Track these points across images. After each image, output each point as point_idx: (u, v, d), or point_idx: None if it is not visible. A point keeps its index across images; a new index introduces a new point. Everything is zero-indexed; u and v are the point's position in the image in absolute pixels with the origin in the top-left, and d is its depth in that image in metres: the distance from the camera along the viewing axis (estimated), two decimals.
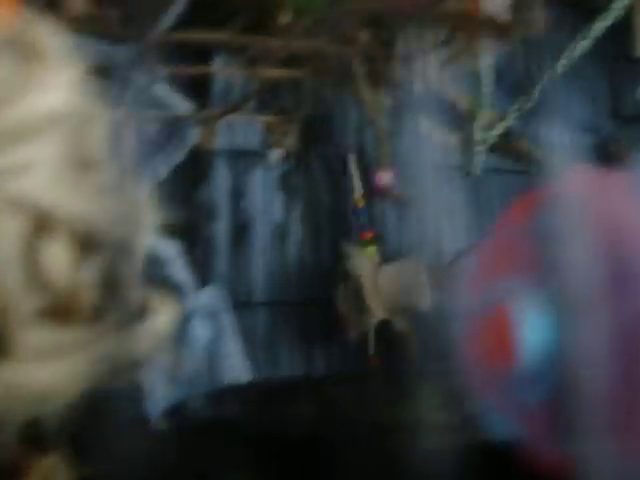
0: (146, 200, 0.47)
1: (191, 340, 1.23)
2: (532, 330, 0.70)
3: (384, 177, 1.23)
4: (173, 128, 1.26)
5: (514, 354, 0.68)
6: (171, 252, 1.21)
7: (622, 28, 1.60)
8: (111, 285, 0.42)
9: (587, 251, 0.67)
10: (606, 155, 1.81)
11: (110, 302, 0.42)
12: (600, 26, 1.54)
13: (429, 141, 1.73)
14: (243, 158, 1.51)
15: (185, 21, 1.13)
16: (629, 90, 1.87)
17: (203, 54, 1.28)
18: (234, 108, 1.32)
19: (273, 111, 1.49)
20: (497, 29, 1.19)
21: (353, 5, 0.95)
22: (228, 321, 1.32)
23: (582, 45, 1.58)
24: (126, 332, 0.42)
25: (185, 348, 1.23)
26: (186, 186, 1.46)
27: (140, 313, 0.43)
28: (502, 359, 0.69)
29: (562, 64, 1.58)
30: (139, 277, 0.44)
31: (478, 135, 1.62)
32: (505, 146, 1.65)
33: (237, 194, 1.50)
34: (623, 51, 1.77)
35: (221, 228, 1.48)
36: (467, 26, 0.94)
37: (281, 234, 1.51)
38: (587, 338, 0.65)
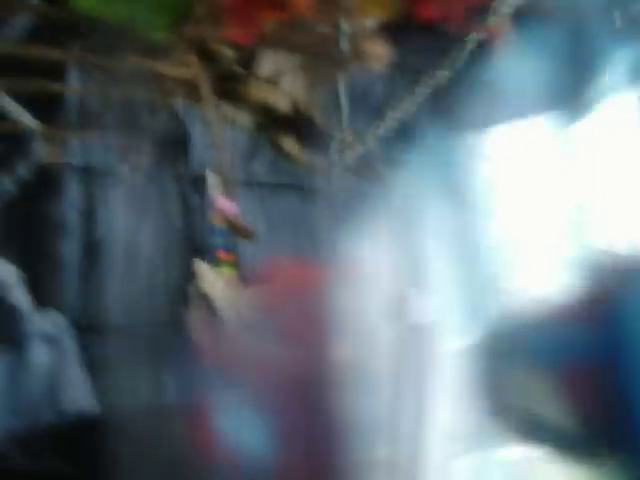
0: None
1: (29, 366, 1.18)
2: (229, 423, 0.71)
3: (226, 204, 1.21)
4: (16, 142, 1.22)
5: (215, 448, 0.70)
6: (6, 273, 1.16)
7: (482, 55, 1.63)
8: None
9: None
10: None
11: None
12: (459, 56, 1.57)
13: (288, 163, 1.73)
14: (96, 175, 1.46)
15: (37, 35, 1.09)
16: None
17: (55, 70, 1.24)
18: (85, 126, 1.29)
19: (127, 129, 1.46)
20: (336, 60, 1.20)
21: (196, 34, 0.93)
22: (70, 346, 1.27)
23: (442, 73, 1.61)
24: None
25: (23, 374, 1.18)
26: (33, 203, 1.40)
27: None
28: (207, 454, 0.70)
29: (422, 89, 1.61)
30: None
31: (336, 157, 1.63)
32: (362, 169, 1.66)
33: (88, 212, 1.45)
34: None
35: (70, 247, 1.43)
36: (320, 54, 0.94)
37: (133, 254, 1.47)
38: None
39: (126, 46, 1.01)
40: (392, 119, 1.59)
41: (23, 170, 1.28)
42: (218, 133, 1.28)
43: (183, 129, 1.50)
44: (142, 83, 1.11)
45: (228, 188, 1.21)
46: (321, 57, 1.15)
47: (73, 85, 1.31)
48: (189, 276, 1.44)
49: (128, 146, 1.40)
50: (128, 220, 1.48)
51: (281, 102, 1.71)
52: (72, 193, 1.43)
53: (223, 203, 1.19)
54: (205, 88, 1.15)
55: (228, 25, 0.82)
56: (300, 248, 1.67)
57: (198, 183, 1.52)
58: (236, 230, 1.25)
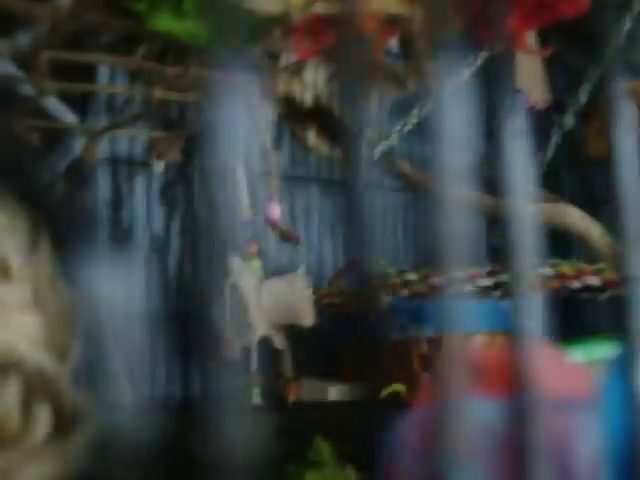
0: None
1: None
2: None
3: (274, 211, 1.23)
4: (57, 138, 1.22)
5: None
6: None
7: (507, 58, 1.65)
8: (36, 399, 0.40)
9: None
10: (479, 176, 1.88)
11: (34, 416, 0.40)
12: (485, 54, 1.58)
13: (315, 155, 1.74)
14: (125, 168, 1.47)
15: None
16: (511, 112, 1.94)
17: (89, 69, 1.24)
18: (119, 123, 1.29)
19: (158, 124, 1.47)
20: (393, 77, 1.21)
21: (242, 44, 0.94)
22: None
23: (467, 70, 1.62)
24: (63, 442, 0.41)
25: None
26: (67, 195, 1.41)
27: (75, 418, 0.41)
28: None
29: (447, 87, 1.62)
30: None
31: (362, 151, 1.64)
32: (387, 164, 1.68)
33: (118, 204, 1.46)
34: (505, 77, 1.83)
35: (101, 238, 1.44)
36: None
37: (161, 246, 1.49)
38: None
39: (178, 53, 1.02)
40: (416, 116, 1.61)
41: (61, 164, 1.28)
42: (265, 131, 1.29)
43: (211, 123, 1.51)
44: (190, 88, 1.12)
45: (273, 188, 1.23)
46: (374, 73, 1.16)
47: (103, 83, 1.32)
48: (216, 269, 1.46)
49: (159, 140, 1.41)
50: (157, 212, 1.50)
51: (304, 94, 1.73)
52: (102, 185, 1.44)
53: (269, 208, 1.20)
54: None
55: (296, 40, 0.83)
56: (321, 241, 1.69)
57: (226, 177, 1.53)
58: (283, 235, 1.26)
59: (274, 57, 1.52)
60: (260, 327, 1.41)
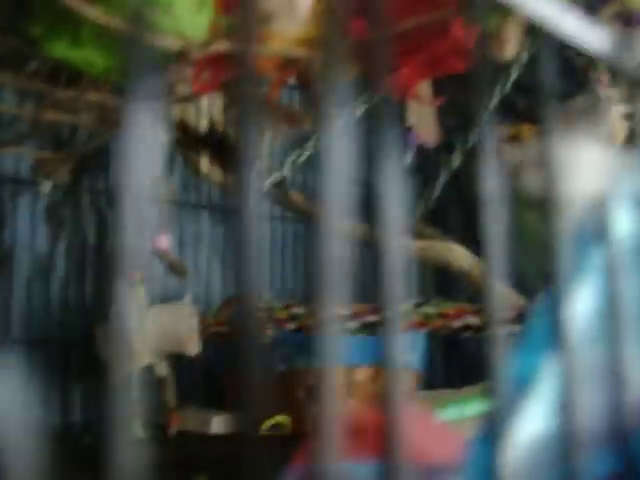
0: None
1: None
2: None
3: (162, 240, 1.21)
4: None
5: None
6: None
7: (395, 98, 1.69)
8: None
9: None
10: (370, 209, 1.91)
11: None
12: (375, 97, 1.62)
13: (205, 181, 1.74)
14: (10, 187, 1.43)
15: None
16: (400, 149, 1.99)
17: None
18: (5, 141, 1.26)
19: (47, 143, 1.43)
20: (287, 117, 1.23)
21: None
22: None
23: (362, 106, 1.65)
24: None
25: None
26: None
27: None
28: None
29: (341, 121, 1.65)
30: None
31: (254, 181, 1.65)
32: (279, 195, 1.69)
33: (0, 223, 1.42)
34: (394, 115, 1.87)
35: None
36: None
37: (45, 268, 1.45)
38: None
39: (71, 76, 1.00)
40: (311, 147, 1.62)
41: None
42: (156, 156, 1.27)
43: (103, 145, 1.48)
44: (82, 111, 1.10)
45: (162, 215, 1.21)
46: (269, 112, 1.17)
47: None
48: (102, 294, 1.43)
49: (46, 159, 1.37)
50: (42, 234, 1.46)
51: (199, 120, 1.72)
52: None
53: (157, 237, 1.18)
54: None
55: (193, 75, 0.83)
56: (210, 269, 1.68)
57: (115, 199, 1.51)
58: (171, 265, 1.25)
59: (170, 86, 1.51)
60: (144, 355, 1.38)
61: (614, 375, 0.28)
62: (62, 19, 0.70)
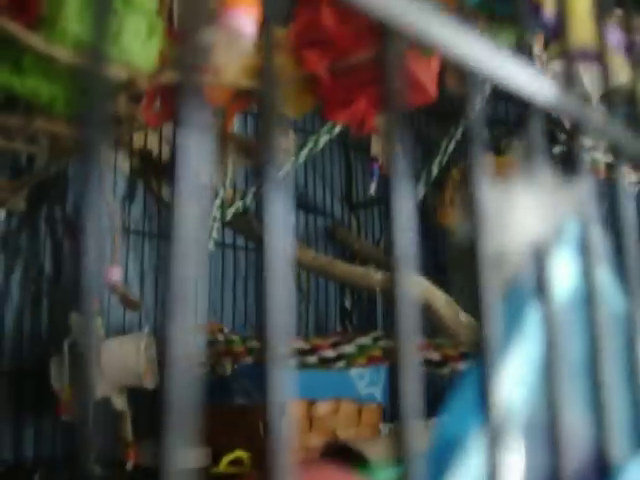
0: None
1: None
2: None
3: (113, 273, 1.18)
4: None
5: None
6: None
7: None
8: None
9: None
10: (335, 237, 1.91)
11: None
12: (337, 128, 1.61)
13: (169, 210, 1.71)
14: None
15: None
16: (362, 179, 1.98)
17: None
18: None
19: (2, 170, 1.41)
20: (242, 149, 1.21)
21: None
22: None
23: (324, 137, 1.65)
24: None
25: None
26: None
27: None
28: None
29: (304, 152, 1.64)
30: None
31: (215, 211, 1.63)
32: (240, 224, 1.68)
33: None
34: (360, 144, 1.87)
35: None
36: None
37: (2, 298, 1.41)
38: None
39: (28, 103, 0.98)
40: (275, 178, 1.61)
41: None
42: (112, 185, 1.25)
43: (60, 172, 1.46)
44: (36, 139, 1.08)
45: (115, 247, 1.18)
46: (225, 143, 1.15)
47: None
48: (58, 325, 1.39)
49: (3, 186, 1.34)
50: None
51: (161, 148, 1.70)
52: None
53: (109, 270, 1.16)
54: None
55: (144, 107, 0.81)
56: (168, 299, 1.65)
57: (73, 228, 1.49)
58: (123, 299, 1.22)
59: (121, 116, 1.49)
60: (99, 388, 1.35)
61: (552, 439, 0.26)
62: (4, 46, 0.68)
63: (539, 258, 0.28)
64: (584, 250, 0.32)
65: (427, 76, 0.80)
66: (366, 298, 1.91)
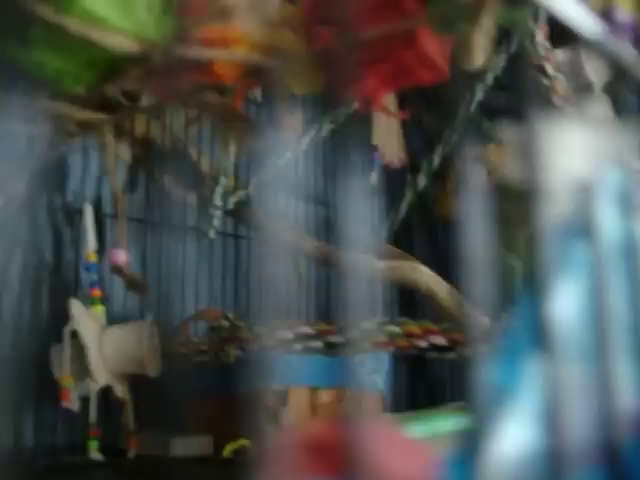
0: None
1: None
2: None
3: (119, 255, 1.17)
4: None
5: None
6: None
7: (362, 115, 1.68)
8: None
9: None
10: (333, 227, 1.90)
11: None
12: (340, 115, 1.60)
13: (168, 198, 1.70)
14: None
15: None
16: (364, 170, 1.97)
17: None
18: None
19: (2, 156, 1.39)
20: (250, 127, 1.20)
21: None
22: None
23: (325, 127, 1.64)
24: None
25: None
26: None
27: None
28: None
29: (304, 141, 1.63)
30: None
31: (218, 199, 1.62)
32: (241, 213, 1.67)
33: None
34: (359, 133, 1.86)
35: None
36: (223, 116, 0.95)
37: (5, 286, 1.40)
38: None
39: (25, 83, 0.96)
40: (277, 166, 1.60)
41: None
42: (112, 168, 1.24)
43: (60, 159, 1.45)
44: (40, 121, 1.06)
45: (120, 230, 1.17)
46: (233, 122, 1.14)
47: None
48: (58, 313, 1.39)
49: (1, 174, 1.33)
50: None
51: (162, 136, 1.69)
52: None
53: (115, 253, 1.15)
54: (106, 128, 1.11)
55: (156, 83, 0.80)
56: (168, 288, 1.65)
57: (72, 216, 1.47)
58: (130, 283, 1.21)
59: (132, 97, 1.48)
60: (101, 376, 1.34)
61: (602, 387, 0.25)
62: (11, 18, 0.67)
63: (585, 199, 0.27)
64: (624, 199, 0.31)
65: (439, 54, 0.79)
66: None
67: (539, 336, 0.22)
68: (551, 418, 0.22)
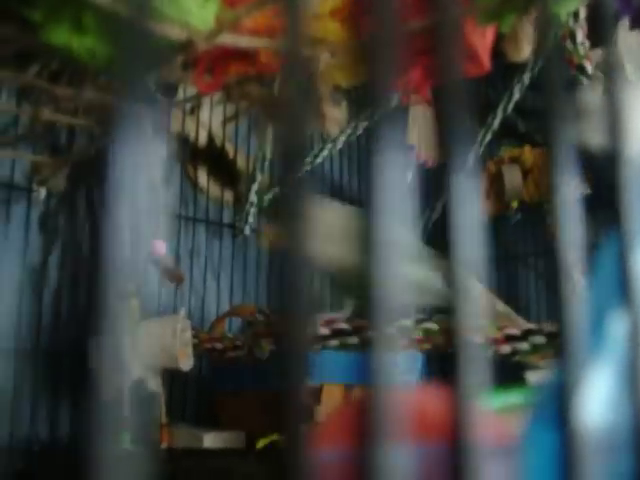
0: None
1: None
2: None
3: (160, 246, 1.18)
4: None
5: None
6: None
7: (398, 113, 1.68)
8: None
9: None
10: None
11: None
12: (379, 111, 1.60)
13: (203, 194, 1.71)
14: (3, 192, 1.40)
15: None
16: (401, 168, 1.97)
17: None
18: (2, 145, 1.23)
19: (43, 148, 1.41)
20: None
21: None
22: None
23: (361, 125, 1.64)
24: None
25: None
26: None
27: None
28: None
29: (341, 140, 1.64)
30: None
31: (253, 196, 1.63)
32: (275, 210, 1.67)
33: None
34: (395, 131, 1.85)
35: None
36: (265, 107, 0.95)
37: (37, 278, 1.41)
38: None
39: (73, 73, 0.98)
40: (311, 163, 1.61)
41: None
42: (155, 167, 1.25)
43: (100, 152, 1.46)
44: (84, 111, 1.08)
45: (160, 224, 1.18)
46: (276, 114, 1.15)
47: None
48: (95, 305, 1.39)
49: (43, 165, 1.35)
50: (36, 242, 1.43)
51: (198, 133, 1.70)
52: None
53: (155, 243, 1.16)
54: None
55: (197, 73, 0.81)
56: (205, 284, 1.65)
57: (111, 210, 1.48)
58: (167, 273, 1.22)
59: (170, 90, 1.49)
60: (134, 369, 1.35)
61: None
62: (64, 4, 0.68)
63: None
64: None
65: (482, 46, 0.79)
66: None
67: (623, 291, 0.22)
68: (633, 376, 0.22)
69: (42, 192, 1.38)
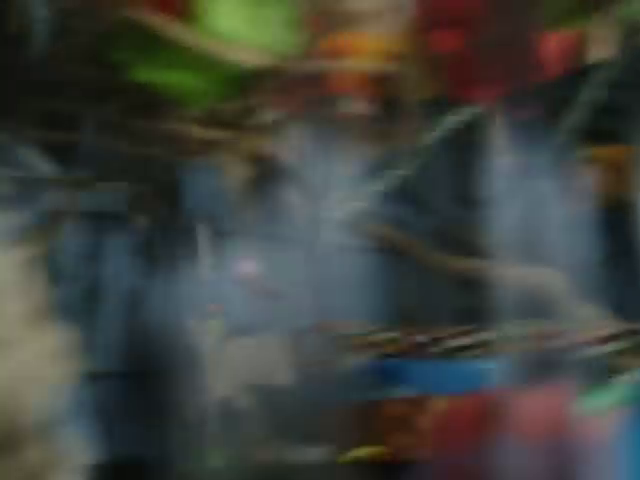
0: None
1: None
2: None
3: (247, 266, 1.20)
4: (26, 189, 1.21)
5: None
6: None
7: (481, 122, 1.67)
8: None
9: None
10: (448, 238, 1.88)
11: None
12: (454, 119, 1.61)
13: (285, 213, 1.74)
14: (103, 220, 1.45)
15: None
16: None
17: (72, 119, 1.23)
18: (101, 175, 1.28)
19: (141, 178, 1.46)
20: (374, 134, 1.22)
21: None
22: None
23: (436, 134, 1.64)
24: None
25: None
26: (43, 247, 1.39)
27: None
28: None
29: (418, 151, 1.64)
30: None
31: (333, 211, 1.64)
32: (356, 225, 1.68)
33: (92, 257, 1.44)
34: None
35: (71, 292, 1.41)
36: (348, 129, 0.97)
37: (135, 302, 1.46)
38: None
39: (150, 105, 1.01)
40: (391, 177, 1.61)
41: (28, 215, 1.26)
42: (234, 185, 1.28)
43: (176, 179, 1.50)
44: (161, 142, 1.11)
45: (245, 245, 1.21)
46: (356, 133, 1.17)
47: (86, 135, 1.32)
48: (181, 328, 1.43)
49: (141, 194, 1.39)
50: (130, 267, 1.47)
51: (276, 152, 1.73)
52: (76, 238, 1.42)
53: (244, 264, 1.18)
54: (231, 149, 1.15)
55: (275, 99, 0.83)
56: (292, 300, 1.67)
57: (189, 234, 1.52)
58: (259, 290, 1.24)
59: (247, 114, 1.52)
60: (220, 388, 1.37)
61: None
62: (150, 43, 0.71)
63: None
64: None
65: (556, 50, 0.79)
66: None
67: None
68: None
69: (141, 220, 1.42)
